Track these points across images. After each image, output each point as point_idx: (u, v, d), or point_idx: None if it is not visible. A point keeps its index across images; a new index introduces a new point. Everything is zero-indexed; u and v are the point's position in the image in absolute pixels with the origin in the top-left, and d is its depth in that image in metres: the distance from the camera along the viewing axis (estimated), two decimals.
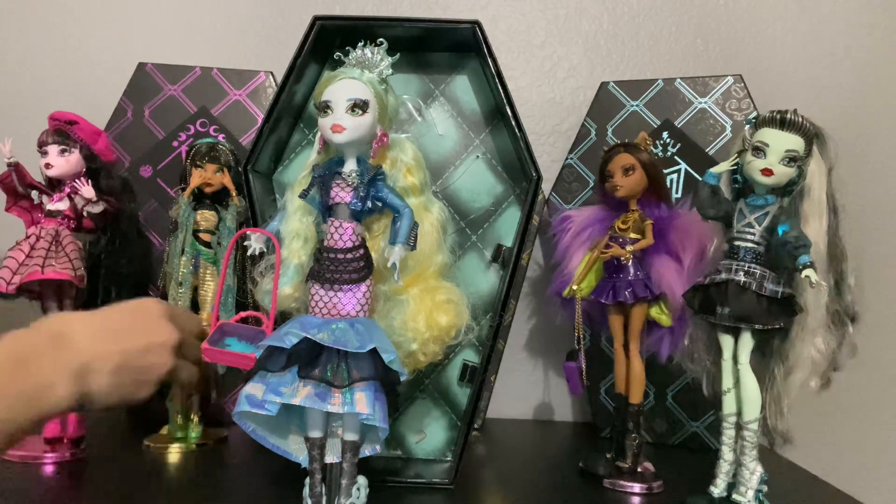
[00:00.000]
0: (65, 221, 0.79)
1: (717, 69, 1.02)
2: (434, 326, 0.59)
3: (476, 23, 0.69)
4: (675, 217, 0.74)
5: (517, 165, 0.75)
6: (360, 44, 0.59)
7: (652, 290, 0.71)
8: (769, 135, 0.63)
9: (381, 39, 0.59)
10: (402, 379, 0.55)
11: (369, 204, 0.57)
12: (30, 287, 0.76)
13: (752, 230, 0.64)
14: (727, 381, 0.66)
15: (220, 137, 0.93)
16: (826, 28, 1.03)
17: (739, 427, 0.65)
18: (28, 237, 0.78)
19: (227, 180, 0.85)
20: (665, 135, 0.88)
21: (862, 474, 1.01)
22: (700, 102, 0.87)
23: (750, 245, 0.64)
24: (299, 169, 0.64)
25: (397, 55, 0.59)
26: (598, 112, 0.91)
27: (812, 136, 0.63)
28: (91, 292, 0.81)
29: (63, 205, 0.79)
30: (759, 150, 0.63)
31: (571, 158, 0.92)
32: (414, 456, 0.75)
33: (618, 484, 0.71)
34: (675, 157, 0.88)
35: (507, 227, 0.76)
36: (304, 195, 0.59)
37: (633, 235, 0.72)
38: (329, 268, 0.56)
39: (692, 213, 0.73)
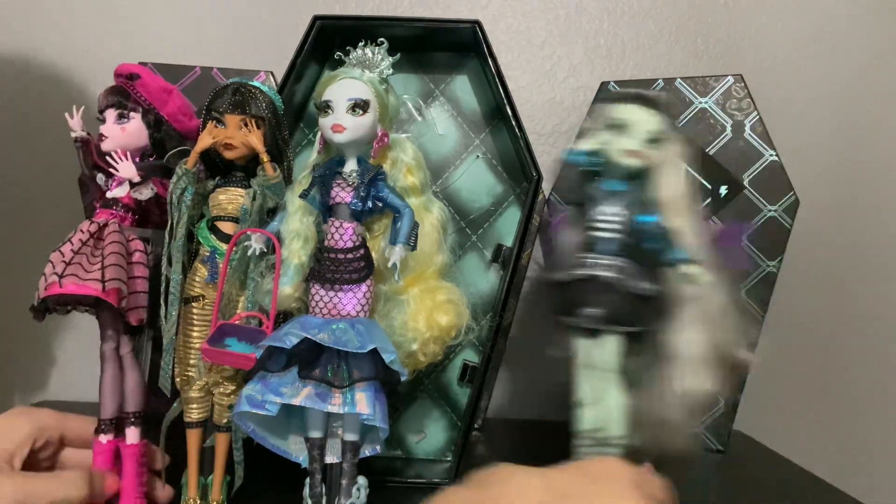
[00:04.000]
0: (118, 213, 0.59)
1: (717, 69, 1.01)
2: (434, 326, 0.59)
3: (476, 23, 0.69)
4: None
5: (517, 165, 0.75)
6: (360, 44, 0.59)
7: None
8: (630, 113, 0.57)
9: (381, 39, 0.59)
10: (403, 379, 0.55)
11: (370, 204, 0.57)
12: (69, 301, 0.55)
13: (614, 218, 0.58)
14: (583, 392, 0.58)
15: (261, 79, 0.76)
16: (826, 28, 1.03)
17: (601, 445, 0.57)
18: (73, 235, 0.58)
19: (254, 139, 0.58)
20: None
21: (862, 474, 1.01)
22: (700, 102, 0.87)
23: (613, 235, 0.57)
24: (299, 169, 0.64)
25: (398, 55, 0.59)
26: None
27: (670, 118, 0.59)
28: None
29: (121, 191, 0.59)
30: (620, 129, 0.57)
31: None
32: (414, 456, 0.75)
33: None
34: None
35: (507, 227, 0.76)
36: (304, 195, 0.58)
37: None
38: (329, 268, 0.56)
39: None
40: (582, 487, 0.39)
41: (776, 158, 0.83)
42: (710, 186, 0.85)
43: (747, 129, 0.85)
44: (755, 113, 0.84)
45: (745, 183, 0.84)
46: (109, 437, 0.58)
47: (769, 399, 1.02)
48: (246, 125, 0.59)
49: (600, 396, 0.57)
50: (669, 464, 0.49)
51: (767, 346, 0.87)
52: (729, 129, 0.86)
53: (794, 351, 1.03)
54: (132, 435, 0.59)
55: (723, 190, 0.85)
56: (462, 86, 0.78)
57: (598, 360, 0.57)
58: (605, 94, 0.60)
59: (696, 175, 0.60)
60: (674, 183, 0.59)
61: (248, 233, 0.59)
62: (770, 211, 0.84)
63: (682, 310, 0.56)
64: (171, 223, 0.59)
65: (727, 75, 0.86)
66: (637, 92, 0.58)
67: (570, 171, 0.59)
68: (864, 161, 1.03)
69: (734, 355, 0.59)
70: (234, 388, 0.60)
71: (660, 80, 0.89)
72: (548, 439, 0.96)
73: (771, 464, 0.82)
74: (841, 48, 1.03)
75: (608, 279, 0.55)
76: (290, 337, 0.52)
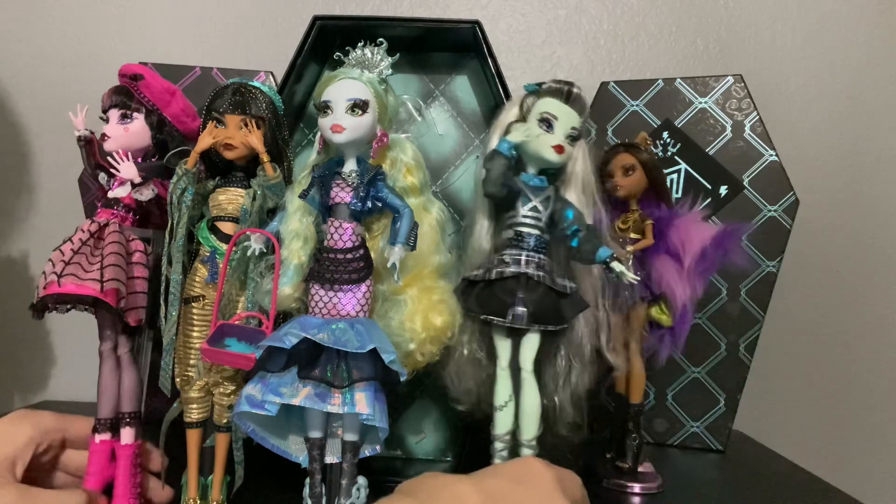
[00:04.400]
0: (119, 213, 0.59)
1: (717, 69, 1.01)
2: (430, 327, 0.59)
3: (476, 23, 0.69)
4: (676, 217, 0.74)
5: None
6: (359, 44, 0.59)
7: (652, 291, 0.71)
8: (556, 107, 0.57)
9: (380, 39, 0.59)
10: (402, 379, 0.55)
11: (369, 204, 0.56)
12: (68, 301, 0.54)
13: (537, 215, 0.57)
14: (503, 394, 0.56)
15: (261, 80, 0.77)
16: (826, 28, 1.03)
17: (517, 447, 0.57)
18: (74, 234, 0.58)
19: (254, 139, 0.58)
20: (665, 135, 0.88)
21: (861, 474, 1.01)
22: (700, 102, 0.87)
23: (536, 232, 0.57)
24: (299, 169, 0.64)
25: (397, 55, 0.59)
26: (598, 112, 0.91)
27: (586, 117, 0.59)
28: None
29: (122, 191, 0.59)
30: (547, 124, 0.57)
31: None
32: (414, 456, 0.75)
33: (618, 484, 0.71)
34: (676, 157, 0.87)
35: None
36: (303, 195, 0.58)
37: (633, 235, 0.72)
38: (329, 268, 0.56)
39: (693, 214, 0.73)
40: (510, 491, 0.40)
41: (776, 158, 0.84)
42: (710, 186, 0.85)
43: (747, 129, 0.85)
44: (755, 113, 0.84)
45: (745, 183, 0.84)
46: (105, 436, 0.58)
47: (769, 399, 1.02)
48: (246, 125, 0.59)
49: (517, 397, 0.57)
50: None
51: (767, 346, 0.88)
52: (729, 129, 0.86)
53: (793, 351, 1.03)
54: (127, 435, 0.59)
55: (723, 190, 0.85)
56: (462, 86, 0.78)
57: (520, 361, 0.56)
58: (530, 89, 0.60)
59: (594, 175, 0.61)
60: (589, 180, 0.60)
61: (248, 233, 0.59)
62: (770, 211, 0.84)
63: (587, 308, 0.57)
64: (172, 223, 0.58)
65: (727, 75, 0.87)
66: (566, 88, 0.58)
67: (492, 163, 0.57)
68: (864, 161, 1.03)
69: (605, 355, 0.61)
70: (234, 388, 0.60)
71: (660, 80, 0.89)
72: (548, 439, 0.95)
73: (771, 464, 0.82)
74: (840, 48, 1.03)
75: (537, 277, 0.55)
76: (289, 337, 0.52)
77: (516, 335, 0.57)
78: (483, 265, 0.58)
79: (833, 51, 1.03)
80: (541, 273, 0.55)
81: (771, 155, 0.84)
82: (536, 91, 0.60)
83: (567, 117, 0.57)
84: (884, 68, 1.03)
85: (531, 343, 0.56)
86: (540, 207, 0.58)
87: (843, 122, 1.03)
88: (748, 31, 1.03)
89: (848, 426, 1.04)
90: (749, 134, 0.84)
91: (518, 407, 0.57)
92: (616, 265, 0.55)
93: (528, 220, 0.58)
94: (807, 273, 1.01)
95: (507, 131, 0.60)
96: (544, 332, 0.56)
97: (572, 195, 0.60)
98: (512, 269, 0.55)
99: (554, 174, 0.60)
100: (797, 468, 0.81)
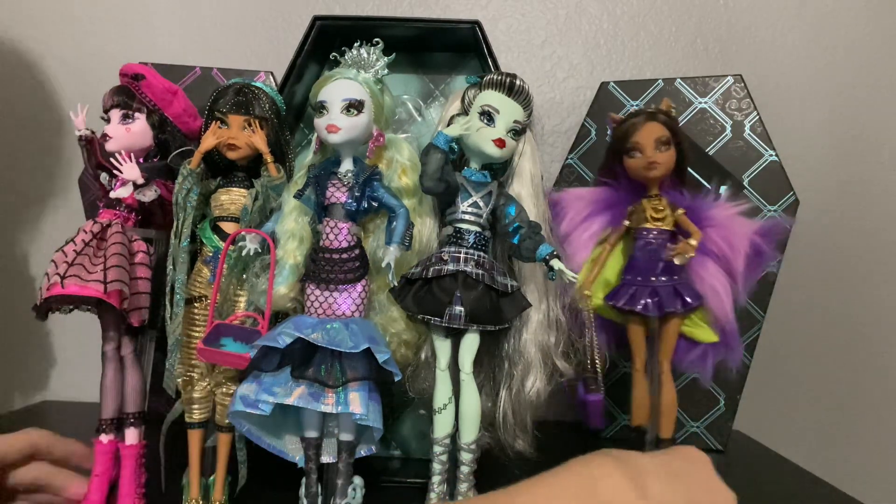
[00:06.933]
0: (122, 214, 0.59)
1: (717, 69, 1.01)
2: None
3: (476, 23, 0.69)
4: (708, 208, 0.64)
5: None
6: (356, 44, 0.59)
7: (685, 300, 0.60)
8: (497, 100, 0.56)
9: (376, 39, 0.59)
10: (396, 379, 0.55)
11: (365, 204, 0.56)
12: (71, 301, 0.54)
13: (478, 211, 0.56)
14: (443, 397, 0.54)
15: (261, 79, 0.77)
16: (826, 28, 1.03)
17: (456, 451, 0.56)
18: (76, 235, 0.57)
19: (258, 140, 0.59)
20: None
21: (861, 474, 1.01)
22: (700, 102, 0.87)
23: (477, 229, 0.56)
24: (297, 169, 0.64)
25: (393, 55, 0.59)
26: (598, 112, 0.91)
27: (531, 110, 0.57)
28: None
29: (125, 191, 0.58)
30: (488, 117, 0.55)
31: (571, 158, 0.92)
32: (413, 456, 0.75)
33: None
34: None
35: None
36: (298, 195, 0.58)
37: (664, 227, 0.62)
38: (325, 268, 0.56)
39: (723, 205, 0.65)
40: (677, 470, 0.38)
41: (776, 158, 0.83)
42: (709, 186, 0.85)
43: (747, 129, 0.84)
44: (755, 113, 0.84)
45: (745, 183, 0.84)
46: (110, 436, 0.58)
47: (769, 399, 1.02)
48: (249, 126, 0.60)
49: (456, 399, 0.55)
50: None
51: (767, 346, 0.88)
52: (729, 129, 0.86)
53: (793, 351, 1.03)
54: (131, 436, 0.59)
55: (723, 190, 0.85)
56: (462, 86, 0.77)
57: (459, 362, 0.55)
58: (472, 81, 0.59)
59: (540, 170, 0.58)
60: (536, 175, 0.58)
61: (243, 233, 0.59)
62: (770, 211, 0.84)
63: (530, 308, 0.55)
64: (178, 224, 0.58)
65: (727, 75, 0.86)
66: (509, 80, 0.56)
67: (428, 157, 0.55)
68: (864, 161, 1.03)
69: (556, 360, 0.58)
70: (236, 388, 0.60)
71: (660, 80, 0.89)
72: (547, 439, 0.96)
73: (771, 464, 0.82)
74: (840, 48, 1.03)
75: (475, 275, 0.53)
76: (283, 336, 0.52)
77: (455, 335, 0.55)
78: (421, 262, 0.56)
79: (833, 51, 1.03)
80: (480, 271, 0.53)
81: (771, 155, 0.84)
82: (478, 83, 0.58)
83: (509, 110, 0.56)
84: (884, 68, 1.03)
85: (470, 344, 0.54)
86: (480, 203, 0.56)
87: (843, 122, 1.03)
88: (748, 31, 1.03)
89: (848, 426, 1.04)
90: (749, 134, 0.84)
91: (457, 410, 0.55)
92: (556, 263, 0.53)
93: (467, 217, 0.56)
94: (807, 273, 1.01)
95: (449, 125, 0.58)
96: (484, 332, 0.54)
97: (518, 191, 0.58)
98: (450, 266, 0.53)
99: (500, 169, 0.58)
100: (797, 468, 0.81)
